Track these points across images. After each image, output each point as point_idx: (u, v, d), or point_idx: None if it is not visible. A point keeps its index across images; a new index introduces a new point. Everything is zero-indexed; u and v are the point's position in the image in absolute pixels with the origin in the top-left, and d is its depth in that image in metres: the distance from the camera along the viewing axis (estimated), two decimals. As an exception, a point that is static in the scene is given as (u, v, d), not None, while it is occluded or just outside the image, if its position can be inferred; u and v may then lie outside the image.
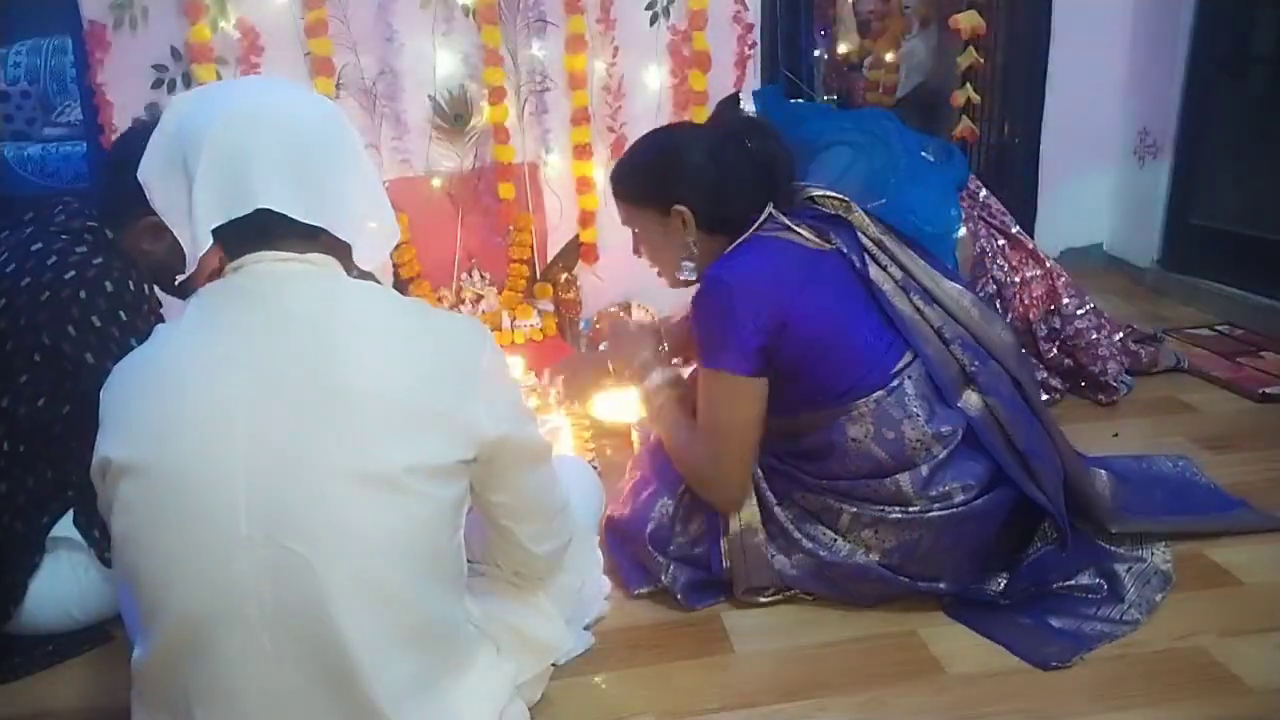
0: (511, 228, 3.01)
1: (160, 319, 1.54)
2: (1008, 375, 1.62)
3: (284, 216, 1.04)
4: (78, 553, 1.56)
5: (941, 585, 1.58)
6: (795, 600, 1.65)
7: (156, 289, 1.60)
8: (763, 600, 1.65)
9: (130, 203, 1.45)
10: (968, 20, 3.24)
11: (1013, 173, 3.44)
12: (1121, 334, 2.53)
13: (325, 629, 1.01)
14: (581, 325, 3.02)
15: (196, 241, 1.04)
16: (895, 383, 1.55)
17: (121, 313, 1.48)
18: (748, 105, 2.59)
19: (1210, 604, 1.61)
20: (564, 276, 3.02)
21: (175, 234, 1.07)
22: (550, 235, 3.07)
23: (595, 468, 1.99)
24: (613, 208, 3.20)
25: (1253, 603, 1.62)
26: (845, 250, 1.63)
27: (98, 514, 1.52)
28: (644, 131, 2.99)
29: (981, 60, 3.29)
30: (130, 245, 1.56)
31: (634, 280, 3.06)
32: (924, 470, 1.53)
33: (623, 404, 2.34)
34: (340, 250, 1.11)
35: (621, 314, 2.92)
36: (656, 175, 1.67)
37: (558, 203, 3.06)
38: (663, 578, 1.64)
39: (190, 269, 1.06)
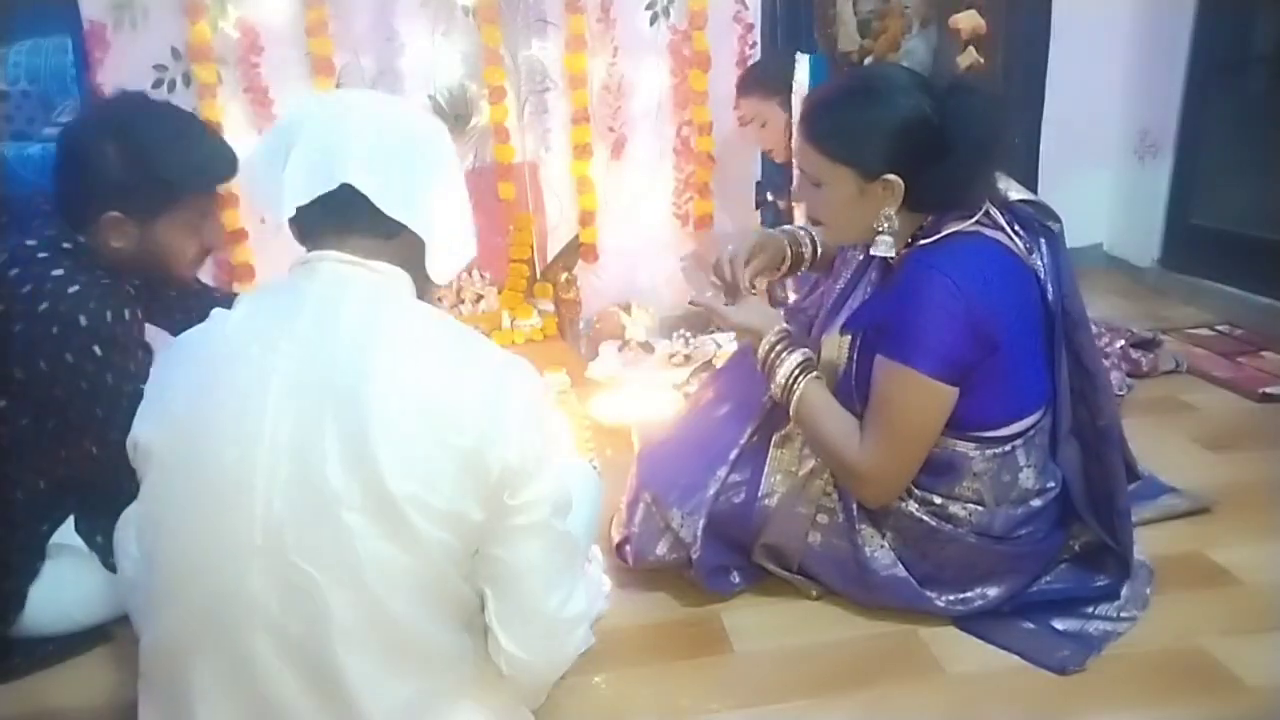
0: (511, 228, 3.01)
1: (145, 346, 1.51)
2: (1114, 429, 1.58)
3: (365, 203, 1.05)
4: (80, 558, 1.56)
5: (963, 605, 1.57)
6: (795, 600, 1.65)
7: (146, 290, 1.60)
8: (770, 567, 1.64)
9: (88, 202, 1.47)
10: (968, 20, 3.24)
11: (1013, 173, 3.42)
12: (1122, 342, 2.53)
13: (324, 648, 1.02)
14: (581, 325, 3.01)
15: (283, 207, 1.07)
16: (1031, 433, 1.52)
17: (96, 348, 1.43)
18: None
19: (1210, 604, 1.61)
20: (564, 276, 3.02)
21: (261, 206, 1.12)
22: (550, 235, 3.07)
23: (595, 468, 1.99)
24: (613, 207, 3.22)
25: (1253, 603, 1.62)
26: (1042, 275, 1.50)
27: (100, 520, 1.53)
28: (645, 131, 3.00)
29: (981, 60, 3.28)
30: (100, 244, 1.50)
31: (634, 280, 3.08)
32: (1019, 513, 1.53)
33: (622, 404, 2.34)
34: (414, 262, 1.11)
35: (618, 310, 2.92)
36: (875, 136, 1.43)
37: (558, 203, 3.06)
38: (692, 554, 1.59)
39: (283, 217, 1.09)
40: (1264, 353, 2.65)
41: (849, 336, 1.57)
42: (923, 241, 1.48)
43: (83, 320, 1.41)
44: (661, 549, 1.63)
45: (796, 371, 1.55)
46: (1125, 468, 1.64)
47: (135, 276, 1.57)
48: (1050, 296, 1.51)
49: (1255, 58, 3.16)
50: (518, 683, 1.20)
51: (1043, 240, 1.53)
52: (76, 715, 1.49)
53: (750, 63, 2.98)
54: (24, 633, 1.56)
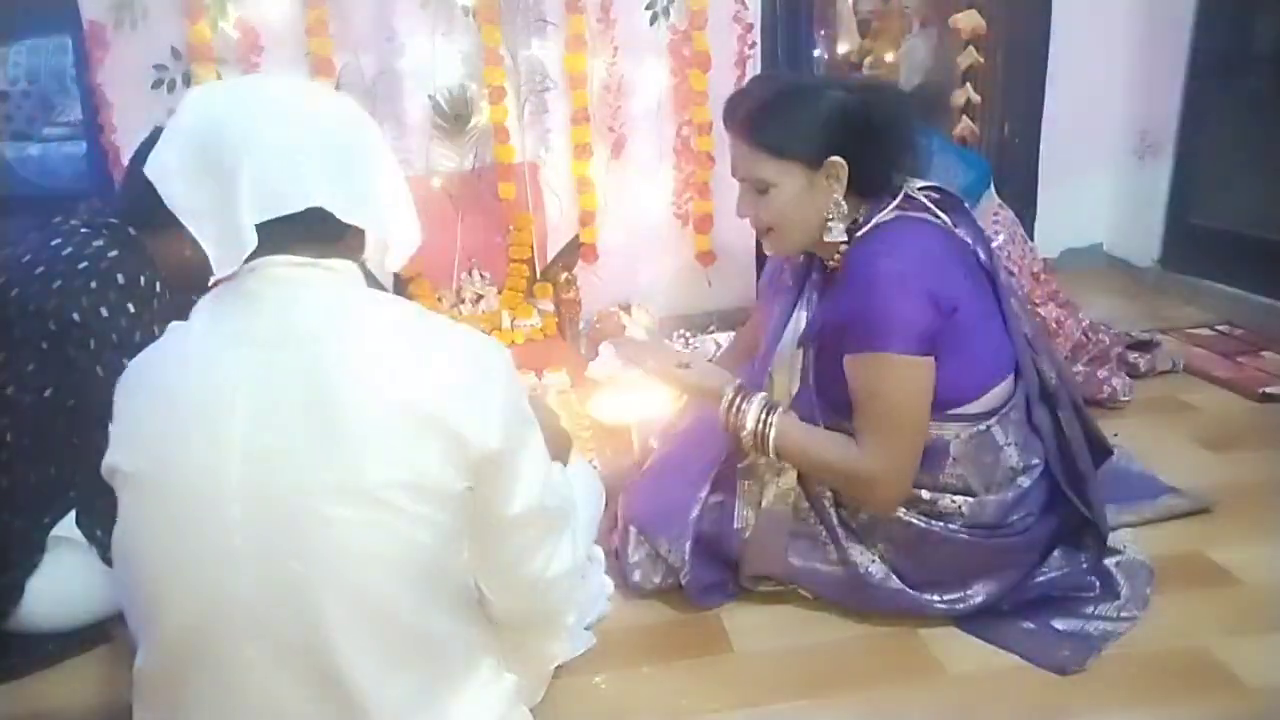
0: (511, 228, 3.01)
1: (171, 315, 1.53)
2: (1066, 387, 1.60)
3: (327, 215, 1.02)
4: (79, 552, 1.56)
5: (963, 603, 1.56)
6: (795, 600, 1.65)
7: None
8: (763, 589, 1.65)
9: (167, 211, 1.51)
10: (968, 20, 3.24)
11: (1012, 173, 3.44)
12: (1120, 347, 2.53)
13: (322, 646, 1.01)
14: (581, 325, 3.02)
15: (242, 240, 1.00)
16: (1005, 409, 1.52)
17: (130, 305, 1.48)
18: None
19: (1210, 604, 1.61)
20: (564, 276, 3.02)
21: (195, 233, 1.03)
22: (550, 235, 3.07)
23: (595, 467, 1.99)
24: (613, 207, 3.21)
25: (1253, 603, 1.62)
26: (970, 242, 1.57)
27: (100, 514, 1.53)
28: (645, 131, 2.99)
29: (981, 60, 3.29)
30: (165, 250, 1.55)
31: (634, 280, 3.08)
32: (1010, 497, 1.53)
33: (622, 404, 2.34)
34: (358, 250, 1.10)
35: (618, 313, 2.92)
36: (813, 122, 1.50)
37: (558, 203, 3.06)
38: (682, 578, 1.61)
39: (228, 270, 1.02)
40: (1264, 353, 2.64)
41: (801, 350, 1.58)
42: (856, 236, 1.52)
43: (120, 278, 1.49)
44: (657, 578, 1.66)
45: (763, 414, 1.54)
46: (1094, 439, 1.65)
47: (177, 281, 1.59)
48: (983, 260, 1.56)
49: (1255, 58, 3.15)
50: (513, 633, 1.22)
51: (956, 214, 1.57)
52: (76, 715, 1.49)
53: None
54: (23, 628, 1.56)
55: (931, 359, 1.45)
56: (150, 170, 1.04)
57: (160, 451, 1.03)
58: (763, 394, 1.58)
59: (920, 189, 1.56)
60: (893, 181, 1.54)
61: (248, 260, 1.03)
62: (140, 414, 1.06)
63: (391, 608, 1.04)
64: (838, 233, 1.53)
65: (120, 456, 1.05)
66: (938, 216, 1.53)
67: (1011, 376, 1.55)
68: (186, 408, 1.03)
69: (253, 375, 1.01)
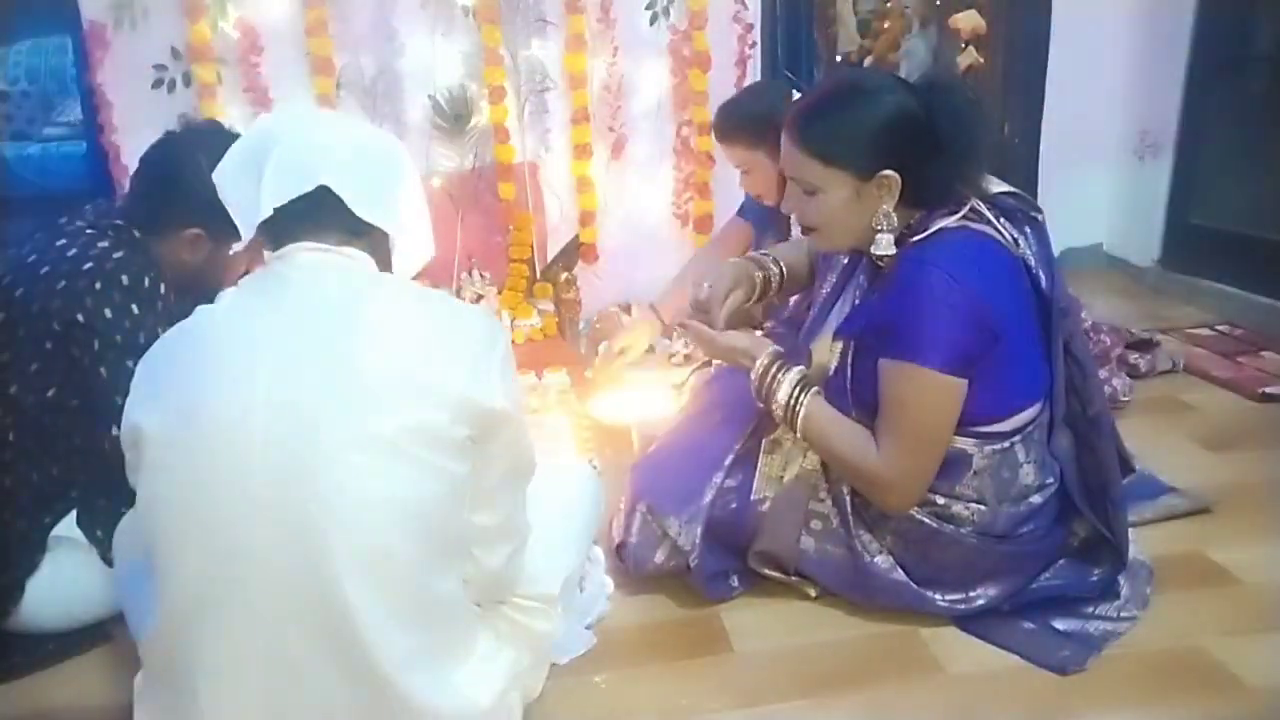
0: (511, 228, 3.01)
1: (174, 317, 1.55)
2: (1105, 417, 1.59)
3: (337, 204, 1.13)
4: (79, 552, 1.56)
5: (965, 604, 1.56)
6: (795, 599, 1.65)
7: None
8: (766, 573, 1.65)
9: (173, 215, 1.57)
10: (968, 20, 3.24)
11: (1013, 173, 3.44)
12: (1120, 348, 2.53)
13: (332, 595, 1.04)
14: (581, 325, 3.02)
15: (260, 210, 1.13)
16: (1030, 429, 1.52)
17: (134, 306, 1.50)
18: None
19: (1210, 604, 1.61)
20: (564, 276, 3.03)
21: (238, 222, 1.18)
22: (550, 235, 3.08)
23: (595, 467, 1.98)
24: (613, 207, 3.20)
25: (1253, 603, 1.62)
26: (1032, 264, 1.51)
27: (100, 514, 1.54)
28: (645, 131, 2.97)
29: (981, 60, 3.29)
30: (167, 253, 1.60)
31: (634, 280, 3.08)
32: (1021, 511, 1.53)
33: (622, 404, 2.34)
34: (378, 252, 1.19)
35: (618, 312, 2.92)
36: (867, 135, 1.44)
37: (558, 203, 3.06)
38: (691, 561, 1.60)
39: (246, 237, 1.18)
40: (1264, 353, 2.65)
41: (841, 342, 1.56)
42: (912, 240, 1.48)
43: (124, 280, 1.51)
44: (660, 557, 1.63)
45: (797, 391, 1.53)
46: (1119, 460, 1.64)
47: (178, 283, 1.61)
48: (1044, 285, 1.52)
49: (1255, 57, 3.15)
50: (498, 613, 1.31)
51: (1028, 229, 1.54)
52: (76, 715, 1.49)
53: (729, 99, 2.46)
54: (23, 628, 1.56)
55: (965, 382, 1.43)
56: (216, 176, 1.20)
57: (187, 407, 1.09)
58: (800, 367, 1.56)
59: (997, 193, 1.52)
60: (954, 192, 1.48)
61: (276, 248, 1.16)
62: (166, 378, 1.13)
63: (398, 559, 1.08)
64: (885, 245, 1.47)
65: (143, 416, 1.11)
66: (1001, 233, 1.49)
67: (1041, 400, 1.54)
68: (214, 366, 1.10)
69: (277, 337, 1.10)
